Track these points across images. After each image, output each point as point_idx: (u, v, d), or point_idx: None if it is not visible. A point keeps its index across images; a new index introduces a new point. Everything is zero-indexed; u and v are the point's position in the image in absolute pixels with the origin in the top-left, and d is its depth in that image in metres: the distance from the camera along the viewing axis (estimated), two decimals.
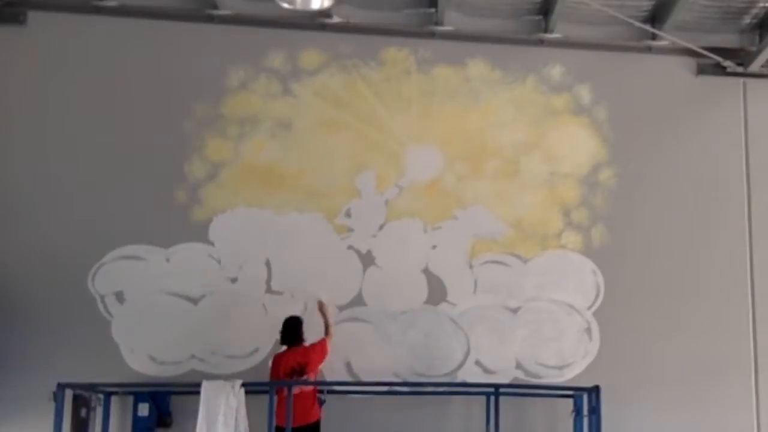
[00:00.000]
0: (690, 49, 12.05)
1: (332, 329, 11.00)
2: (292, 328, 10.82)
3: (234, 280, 11.54)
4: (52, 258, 11.32)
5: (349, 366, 11.39)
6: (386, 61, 12.09)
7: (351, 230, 11.73)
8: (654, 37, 12.07)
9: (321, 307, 11.08)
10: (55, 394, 10.12)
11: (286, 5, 10.09)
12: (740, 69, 12.22)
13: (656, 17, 11.94)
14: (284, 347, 10.80)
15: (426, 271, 11.69)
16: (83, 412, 10.62)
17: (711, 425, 11.39)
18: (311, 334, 10.91)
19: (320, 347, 10.81)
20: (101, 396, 10.83)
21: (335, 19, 11.90)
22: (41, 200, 11.48)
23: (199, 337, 11.33)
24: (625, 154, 12.06)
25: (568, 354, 11.62)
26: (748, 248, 11.96)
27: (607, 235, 11.87)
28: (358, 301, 11.56)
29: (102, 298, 11.36)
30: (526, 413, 11.27)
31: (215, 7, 11.83)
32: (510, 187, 11.93)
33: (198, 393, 10.09)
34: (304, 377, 10.55)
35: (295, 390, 10.37)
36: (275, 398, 10.20)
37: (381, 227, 11.76)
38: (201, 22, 11.93)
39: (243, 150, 11.78)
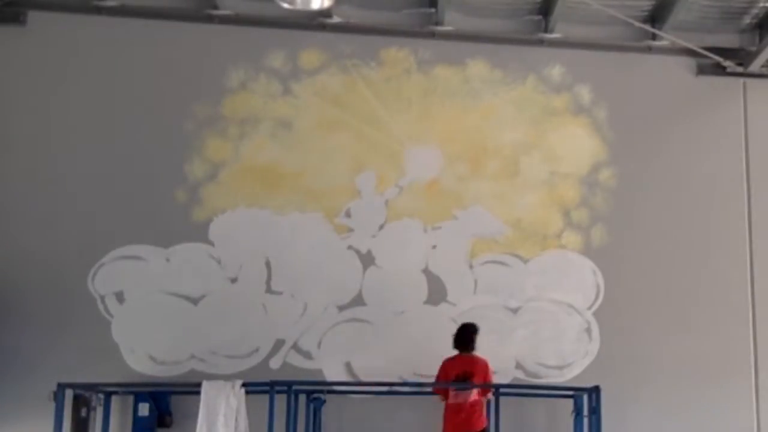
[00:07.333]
0: (690, 49, 12.05)
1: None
2: (466, 334, 10.81)
3: (234, 280, 11.54)
4: (52, 258, 11.33)
5: (349, 366, 11.40)
6: (386, 61, 12.09)
7: (351, 230, 11.73)
8: (654, 37, 12.07)
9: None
10: (55, 394, 10.12)
11: (286, 5, 10.08)
12: (740, 69, 12.21)
13: (656, 17, 11.94)
14: (455, 352, 10.80)
15: (426, 271, 11.69)
16: (83, 412, 10.62)
17: (711, 425, 11.39)
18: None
19: (487, 367, 10.75)
20: (101, 396, 10.83)
21: (335, 19, 11.91)
22: (41, 200, 11.48)
23: (199, 337, 11.33)
24: (625, 154, 12.06)
25: (568, 354, 11.62)
26: (748, 248, 11.96)
27: (607, 235, 11.87)
28: (358, 301, 11.56)
29: (102, 298, 11.36)
30: (526, 413, 11.27)
31: (215, 7, 11.83)
32: (510, 187, 11.93)
33: (198, 393, 10.09)
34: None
35: (460, 399, 10.52)
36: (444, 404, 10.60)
37: (381, 227, 11.77)
38: (201, 22, 11.93)
39: (243, 150, 11.78)
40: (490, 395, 10.88)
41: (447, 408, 10.64)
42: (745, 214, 12.05)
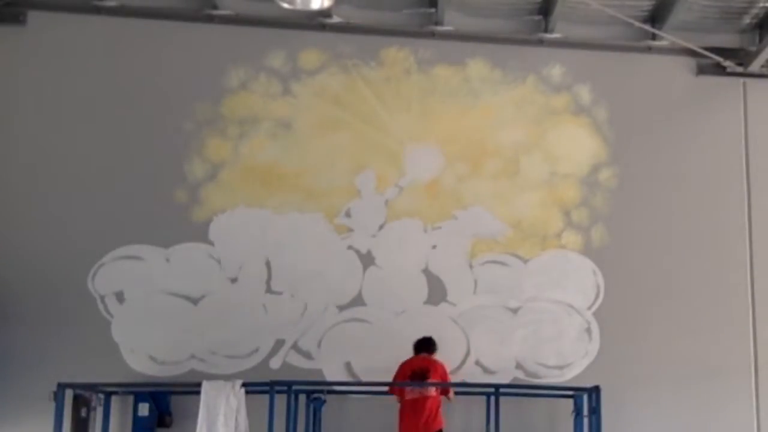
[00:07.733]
0: (690, 49, 12.04)
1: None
2: (426, 342, 11.01)
3: (234, 280, 11.55)
4: (52, 258, 11.34)
5: (349, 366, 11.40)
6: (386, 61, 12.09)
7: (351, 230, 11.73)
8: (654, 37, 12.07)
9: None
10: (55, 394, 10.13)
11: (286, 5, 10.09)
12: (740, 69, 12.21)
13: (656, 17, 11.94)
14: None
15: (426, 271, 11.69)
16: (83, 412, 10.64)
17: (711, 425, 11.39)
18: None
19: (445, 370, 10.90)
20: (101, 396, 10.83)
21: (335, 19, 11.91)
22: (41, 200, 11.49)
23: (199, 337, 11.34)
24: (625, 154, 12.06)
25: (568, 354, 11.62)
26: (748, 248, 11.95)
27: (607, 235, 11.87)
28: (358, 301, 11.57)
29: (102, 298, 11.37)
30: (526, 413, 11.27)
31: (215, 7, 11.84)
32: (510, 187, 11.93)
33: (198, 393, 10.10)
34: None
35: (415, 394, 10.59)
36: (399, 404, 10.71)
37: (381, 227, 11.77)
38: (201, 22, 11.94)
39: (243, 150, 11.79)
40: (451, 395, 10.90)
41: (404, 405, 10.67)
42: (745, 214, 12.04)
